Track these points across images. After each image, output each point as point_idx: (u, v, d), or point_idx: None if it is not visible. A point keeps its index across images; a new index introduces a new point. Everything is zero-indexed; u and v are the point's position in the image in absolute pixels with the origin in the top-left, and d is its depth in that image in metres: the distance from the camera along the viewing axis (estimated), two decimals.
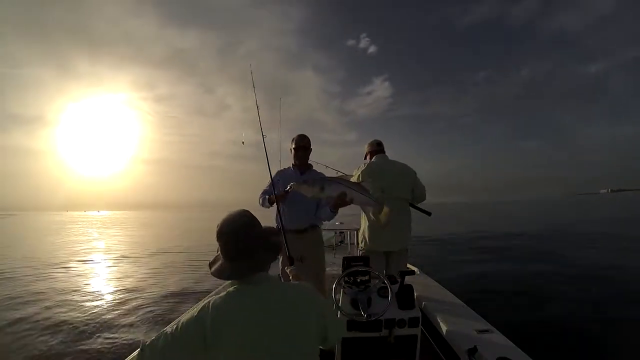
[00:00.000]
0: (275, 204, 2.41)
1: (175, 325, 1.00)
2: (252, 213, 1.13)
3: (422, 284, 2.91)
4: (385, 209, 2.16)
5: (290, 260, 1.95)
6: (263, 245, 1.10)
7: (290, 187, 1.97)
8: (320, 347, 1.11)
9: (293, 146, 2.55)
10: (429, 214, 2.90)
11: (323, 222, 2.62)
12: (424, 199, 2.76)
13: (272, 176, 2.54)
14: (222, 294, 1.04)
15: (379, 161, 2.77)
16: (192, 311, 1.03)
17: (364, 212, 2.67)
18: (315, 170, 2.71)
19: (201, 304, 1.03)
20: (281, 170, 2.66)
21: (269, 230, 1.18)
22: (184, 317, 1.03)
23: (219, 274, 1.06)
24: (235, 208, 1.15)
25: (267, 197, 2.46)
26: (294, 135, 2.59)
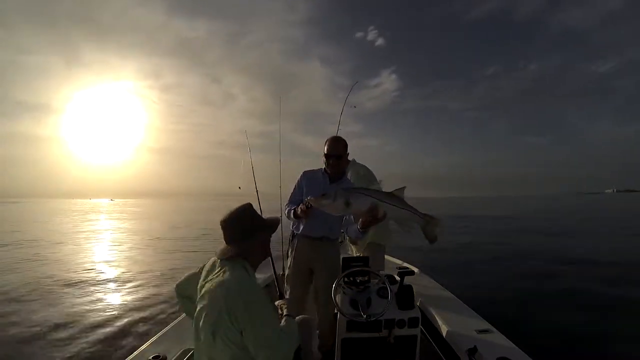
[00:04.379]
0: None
1: None
2: (252, 205, 1.37)
3: (421, 284, 2.90)
4: (441, 223, 1.63)
5: (279, 295, 1.82)
6: (247, 234, 1.30)
7: (309, 203, 1.60)
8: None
9: (324, 152, 2.13)
10: None
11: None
12: None
13: (299, 178, 2.26)
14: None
15: (363, 165, 2.90)
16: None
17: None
18: (348, 180, 2.30)
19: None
20: (308, 172, 2.27)
21: (259, 222, 1.36)
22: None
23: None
24: (241, 197, 1.31)
25: (292, 209, 2.11)
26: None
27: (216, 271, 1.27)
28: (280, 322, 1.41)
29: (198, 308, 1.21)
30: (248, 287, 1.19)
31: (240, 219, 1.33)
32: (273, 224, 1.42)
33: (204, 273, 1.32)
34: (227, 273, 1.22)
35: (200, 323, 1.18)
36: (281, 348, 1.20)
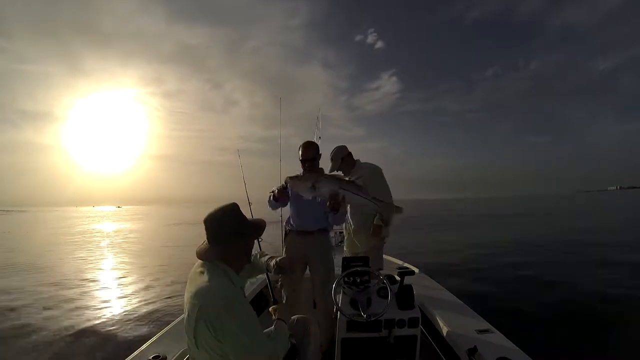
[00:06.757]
0: (287, 205, 2.38)
1: None
2: (239, 207, 1.31)
3: (421, 284, 2.90)
4: (393, 208, 1.97)
5: (274, 301, 1.86)
6: (228, 238, 1.24)
7: (286, 182, 1.84)
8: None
9: (299, 157, 2.40)
10: None
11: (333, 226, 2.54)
12: None
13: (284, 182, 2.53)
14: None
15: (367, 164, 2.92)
16: None
17: (362, 214, 2.59)
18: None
19: None
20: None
21: (245, 222, 1.29)
22: None
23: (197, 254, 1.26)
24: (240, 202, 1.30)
25: (271, 196, 2.33)
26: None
27: (197, 271, 1.23)
28: (272, 327, 1.40)
29: (185, 313, 1.18)
30: (224, 295, 1.14)
31: (224, 220, 1.25)
32: (258, 228, 1.35)
33: (189, 280, 1.26)
34: (206, 278, 1.17)
35: (185, 329, 1.17)
36: (261, 355, 1.15)
